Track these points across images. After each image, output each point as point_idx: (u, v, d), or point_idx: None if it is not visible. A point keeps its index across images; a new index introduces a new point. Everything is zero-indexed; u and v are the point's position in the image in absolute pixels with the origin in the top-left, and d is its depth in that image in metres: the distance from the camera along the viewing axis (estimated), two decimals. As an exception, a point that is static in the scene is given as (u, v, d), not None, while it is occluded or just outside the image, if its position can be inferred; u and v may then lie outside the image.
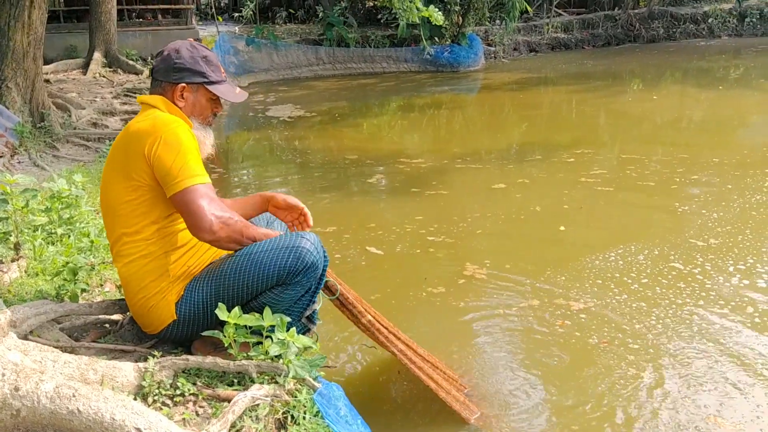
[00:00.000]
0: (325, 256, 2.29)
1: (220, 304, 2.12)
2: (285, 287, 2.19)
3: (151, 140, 2.09)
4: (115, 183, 2.17)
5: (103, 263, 3.14)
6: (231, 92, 2.34)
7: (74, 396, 1.52)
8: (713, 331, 3.24)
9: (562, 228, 4.71)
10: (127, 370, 1.93)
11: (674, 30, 17.53)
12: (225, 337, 2.13)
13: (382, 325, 2.59)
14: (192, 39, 2.38)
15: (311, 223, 2.53)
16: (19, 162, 5.32)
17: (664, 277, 3.81)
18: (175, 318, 2.20)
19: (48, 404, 1.50)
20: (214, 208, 2.07)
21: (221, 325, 2.16)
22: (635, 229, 4.71)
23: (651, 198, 5.33)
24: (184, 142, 2.10)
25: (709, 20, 17.75)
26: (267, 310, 2.15)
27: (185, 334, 2.26)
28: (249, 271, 2.15)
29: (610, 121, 8.78)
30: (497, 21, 15.24)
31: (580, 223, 4.84)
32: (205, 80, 2.27)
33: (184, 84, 2.25)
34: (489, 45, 14.91)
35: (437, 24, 10.81)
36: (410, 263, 4.23)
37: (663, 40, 17.23)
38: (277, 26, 15.67)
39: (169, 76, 2.24)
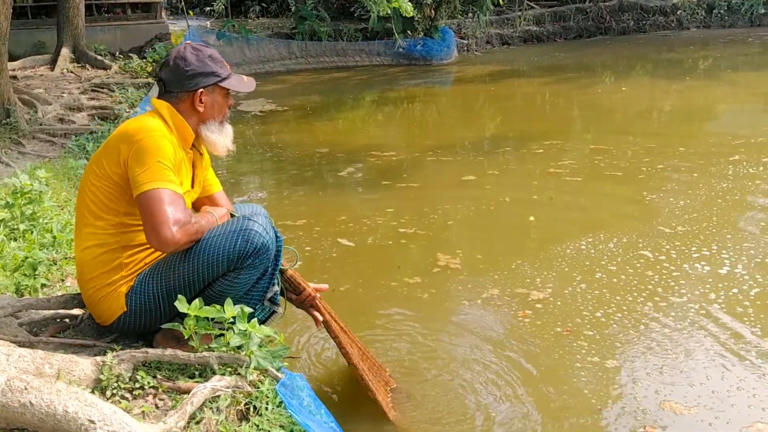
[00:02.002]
0: (277, 236, 2.28)
1: (179, 296, 2.10)
2: (238, 272, 2.17)
3: (128, 144, 2.11)
4: (92, 165, 2.21)
5: (65, 258, 3.10)
6: (241, 83, 2.37)
7: (26, 389, 1.50)
8: (674, 318, 3.29)
9: (531, 218, 4.75)
10: (84, 364, 1.91)
11: (644, 22, 17.72)
12: (185, 329, 2.11)
13: (333, 318, 2.59)
14: (189, 42, 2.38)
15: None
16: (-18, 158, 5.21)
17: (631, 266, 3.85)
18: (126, 310, 2.18)
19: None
20: (177, 213, 2.03)
21: (181, 316, 2.14)
22: (604, 218, 4.77)
23: (619, 187, 5.39)
24: (160, 150, 2.09)
25: (678, 12, 17.97)
26: (228, 301, 2.14)
27: (138, 326, 2.24)
28: (197, 259, 2.13)
29: (580, 113, 8.86)
30: (470, 14, 15.28)
31: (549, 213, 4.88)
32: (218, 78, 2.30)
33: (201, 89, 2.26)
34: (462, 38, 14.94)
35: (409, 16, 10.81)
36: (382, 255, 4.24)
37: (633, 32, 17.42)
38: (250, 20, 15.55)
39: (184, 86, 2.25)
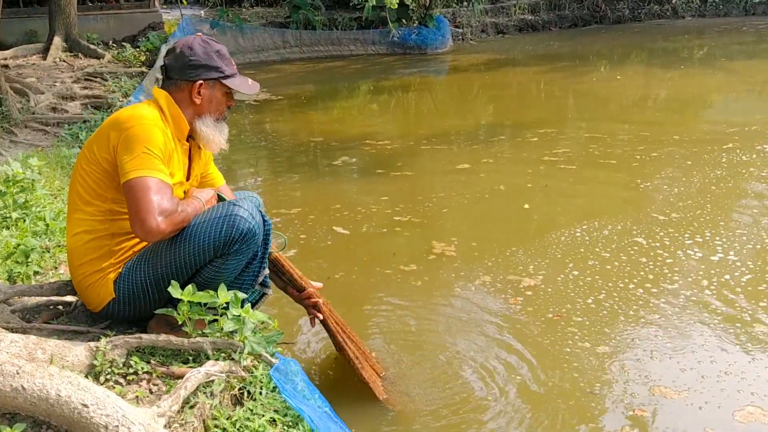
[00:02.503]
0: (265, 221, 2.27)
1: (173, 281, 2.10)
2: (225, 258, 2.17)
3: (118, 131, 2.09)
4: (84, 150, 2.20)
5: (58, 246, 3.09)
6: (245, 84, 2.35)
7: (18, 373, 1.49)
8: (666, 304, 3.30)
9: (526, 206, 4.76)
10: (77, 350, 1.91)
11: (639, 11, 17.66)
12: (179, 314, 2.11)
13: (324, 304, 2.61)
14: (201, 34, 2.36)
15: None
16: (-26, 147, 5.19)
17: (625, 253, 3.86)
18: (114, 296, 2.18)
19: (-10, 382, 1.47)
20: (163, 202, 2.01)
21: (174, 303, 2.14)
22: (599, 205, 4.78)
23: (614, 175, 5.40)
24: (149, 138, 2.07)
25: (673, 1, 17.92)
26: (222, 286, 2.13)
27: (127, 313, 2.24)
28: (184, 246, 2.12)
29: (575, 101, 8.85)
30: (465, 3, 15.22)
31: (544, 200, 4.89)
32: (221, 75, 2.28)
33: (201, 81, 2.24)
34: (457, 27, 14.88)
35: (393, 8, 10.72)
36: (377, 242, 4.24)
37: (628, 21, 17.36)
38: (244, 9, 15.46)
39: (185, 74, 2.24)
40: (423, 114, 8.77)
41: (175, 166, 2.22)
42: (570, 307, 3.28)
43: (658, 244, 3.96)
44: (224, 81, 2.29)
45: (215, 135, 2.31)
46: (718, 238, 4.02)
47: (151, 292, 2.18)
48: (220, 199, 2.35)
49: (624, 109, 8.12)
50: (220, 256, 2.16)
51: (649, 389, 2.64)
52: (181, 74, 2.24)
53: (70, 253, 2.21)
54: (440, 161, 5.96)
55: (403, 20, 13.60)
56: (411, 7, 13.46)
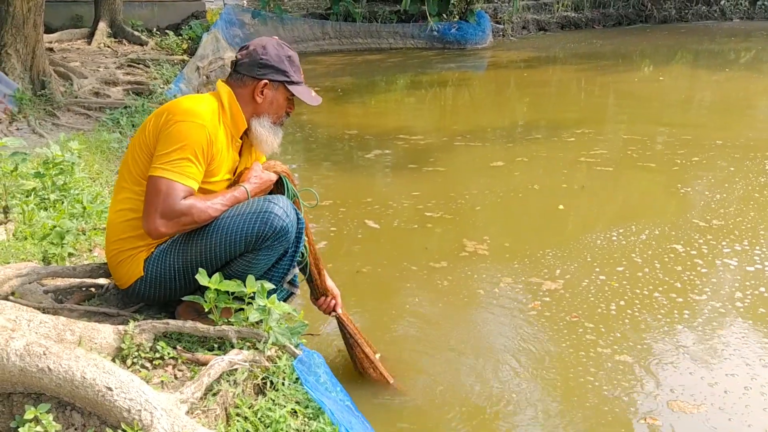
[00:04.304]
0: (299, 219, 2.28)
1: (201, 269, 2.12)
2: (256, 253, 2.18)
3: (168, 119, 2.12)
4: (139, 132, 2.23)
5: (95, 229, 3.14)
6: (308, 94, 2.35)
7: (45, 354, 1.52)
8: (692, 315, 3.22)
9: (561, 207, 4.69)
10: (106, 332, 1.94)
11: (686, 11, 17.25)
12: (206, 302, 2.13)
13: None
14: (276, 38, 2.38)
15: None
16: (17, 129, 5.31)
17: (659, 259, 3.77)
18: (143, 275, 2.21)
19: (17, 362, 1.50)
20: (171, 205, 2.05)
21: (202, 291, 2.16)
22: (637, 208, 4.69)
23: (653, 178, 5.29)
24: (189, 138, 2.09)
25: (722, 2, 17.45)
26: (250, 277, 2.15)
27: (153, 295, 2.26)
28: (216, 238, 2.14)
29: (615, 102, 8.69)
30: (506, -2, 15.05)
31: (579, 202, 4.81)
32: (287, 80, 2.29)
33: (266, 81, 2.26)
34: (497, 23, 14.72)
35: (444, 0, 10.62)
36: (407, 238, 4.23)
37: (674, 21, 16.96)
38: (286, 0, 15.51)
39: (253, 71, 2.26)
40: (459, 110, 8.70)
41: (223, 162, 2.23)
42: (592, 312, 3.22)
43: (695, 252, 3.87)
44: (289, 86, 2.30)
45: (269, 137, 2.32)
46: (757, 248, 3.91)
47: (178, 278, 2.20)
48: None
49: (665, 111, 7.94)
50: (251, 250, 2.17)
51: (667, 403, 2.58)
52: (249, 71, 2.26)
53: (110, 227, 2.25)
54: (474, 158, 5.91)
55: (444, 14, 13.50)
56: (452, 2, 13.34)
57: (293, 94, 2.33)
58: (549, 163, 5.70)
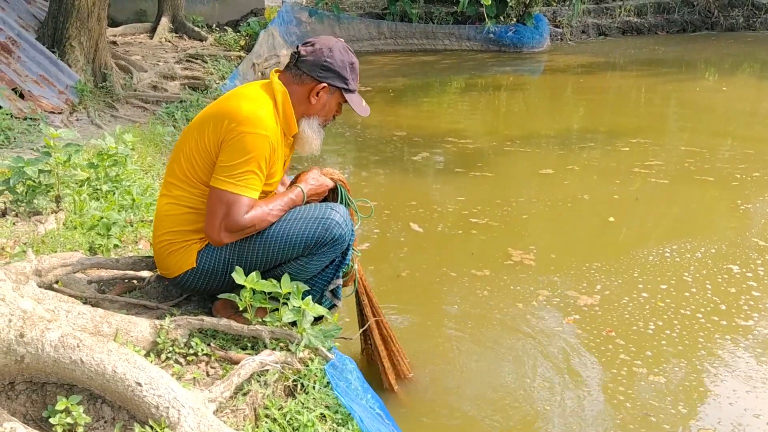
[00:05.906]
0: (352, 231, 2.29)
1: (237, 267, 2.13)
2: (310, 258, 2.21)
3: (232, 128, 2.11)
4: (194, 130, 2.22)
5: (142, 221, 3.20)
6: (360, 104, 2.35)
7: (78, 346, 1.55)
8: (734, 342, 3.09)
9: (611, 219, 4.56)
10: (142, 326, 1.97)
11: (755, 19, 16.56)
12: (241, 300, 2.14)
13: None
14: (342, 41, 2.37)
15: None
16: (77, 119, 5.48)
17: (711, 280, 3.63)
18: (195, 266, 2.22)
19: (52, 353, 1.53)
20: (235, 217, 2.09)
21: (239, 288, 2.17)
22: (693, 224, 4.53)
23: (710, 193, 5.09)
24: (255, 150, 2.10)
25: (795, 10, 16.72)
26: (285, 277, 2.15)
27: (200, 285, 2.28)
28: (276, 239, 2.17)
29: (675, 111, 8.41)
30: (566, 2, 14.75)
31: (631, 214, 4.67)
32: (345, 87, 2.29)
33: (326, 84, 2.26)
34: (556, 26, 14.45)
35: (502, 1, 10.48)
36: (450, 243, 4.19)
37: (742, 29, 16.31)
38: (343, -1, 15.59)
39: (315, 72, 2.25)
40: (511, 114, 8.58)
41: (278, 162, 2.25)
42: (629, 331, 3.12)
43: (751, 274, 3.70)
44: (345, 94, 2.30)
45: (315, 138, 2.32)
46: (820, 272, 3.72)
47: (230, 272, 2.20)
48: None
49: (728, 123, 7.64)
50: (306, 254, 2.20)
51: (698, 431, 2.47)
52: (311, 70, 2.25)
53: (161, 219, 2.26)
54: (523, 164, 5.81)
55: (501, 17, 13.34)
56: (510, 4, 13.17)
57: (346, 101, 2.31)
58: (601, 173, 5.56)
